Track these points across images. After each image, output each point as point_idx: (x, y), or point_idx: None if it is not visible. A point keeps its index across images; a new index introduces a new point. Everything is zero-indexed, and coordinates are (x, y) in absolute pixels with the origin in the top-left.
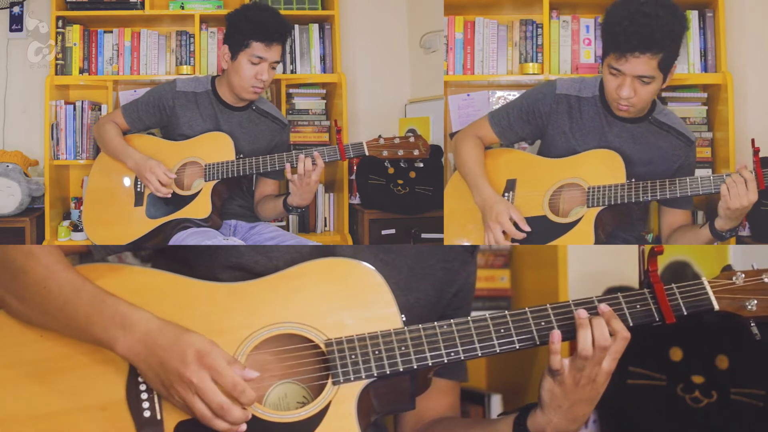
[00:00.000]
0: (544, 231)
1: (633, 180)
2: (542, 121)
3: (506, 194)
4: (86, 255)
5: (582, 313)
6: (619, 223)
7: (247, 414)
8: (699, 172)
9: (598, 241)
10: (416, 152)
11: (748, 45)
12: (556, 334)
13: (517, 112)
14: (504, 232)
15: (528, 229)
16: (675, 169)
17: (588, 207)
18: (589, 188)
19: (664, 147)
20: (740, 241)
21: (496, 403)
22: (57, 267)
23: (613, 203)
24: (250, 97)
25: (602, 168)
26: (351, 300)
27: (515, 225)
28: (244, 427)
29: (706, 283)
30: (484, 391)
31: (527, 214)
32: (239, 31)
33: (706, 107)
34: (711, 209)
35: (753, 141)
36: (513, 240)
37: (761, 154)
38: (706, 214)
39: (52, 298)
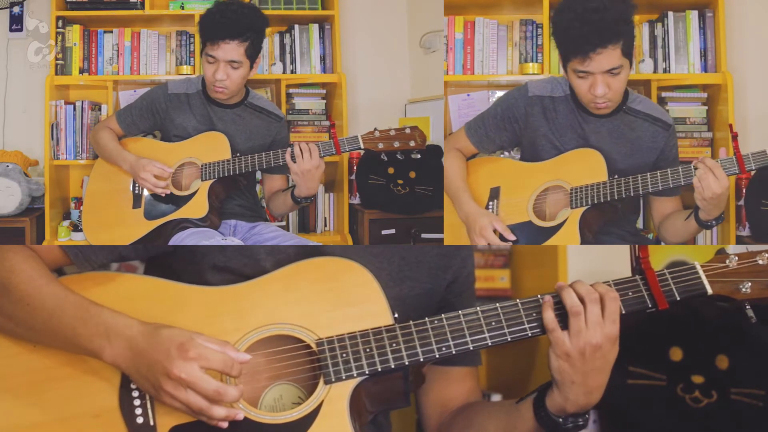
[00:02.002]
0: (530, 236)
1: (615, 176)
2: (518, 126)
3: (490, 203)
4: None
5: (561, 283)
6: (605, 220)
7: (241, 389)
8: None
9: (584, 242)
10: (412, 143)
11: (748, 45)
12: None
13: (492, 119)
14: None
15: (513, 238)
16: (657, 156)
17: (572, 208)
18: (571, 189)
19: (642, 136)
20: (740, 241)
21: None
22: (40, 281)
23: (595, 202)
24: (215, 96)
25: (583, 167)
26: (341, 299)
27: (500, 236)
28: (241, 414)
29: (698, 267)
30: (484, 391)
31: (512, 221)
32: (199, 32)
33: (706, 107)
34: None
35: (731, 126)
36: (504, 240)
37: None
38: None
39: (36, 314)
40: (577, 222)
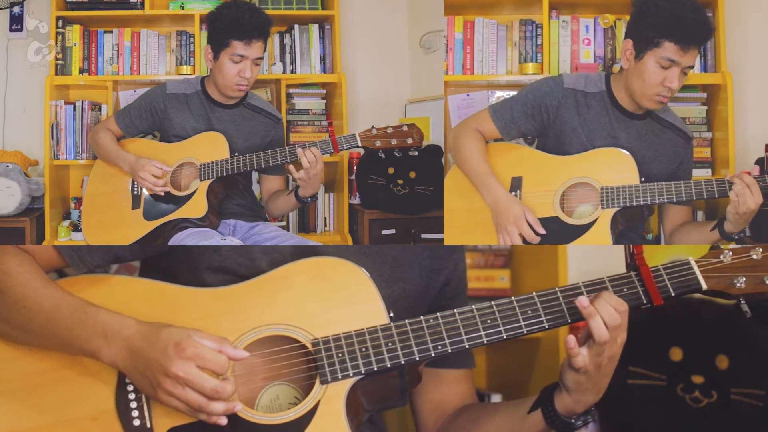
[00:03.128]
0: (557, 233)
1: (643, 180)
2: (548, 116)
3: (513, 193)
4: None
5: (584, 302)
6: (632, 222)
7: (233, 381)
8: (698, 172)
9: (613, 242)
10: (410, 140)
11: (748, 45)
12: (571, 340)
13: (521, 106)
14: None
15: (543, 231)
16: (676, 166)
17: (603, 208)
18: (602, 189)
19: (666, 144)
20: (740, 241)
21: None
22: (36, 284)
23: (628, 204)
24: (235, 95)
25: (614, 168)
26: (337, 299)
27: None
28: (240, 406)
29: (693, 263)
30: (484, 391)
31: (537, 214)
32: (218, 31)
33: (706, 107)
34: (710, 209)
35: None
36: (524, 242)
37: (759, 155)
38: (706, 215)
39: (32, 317)
40: (608, 223)
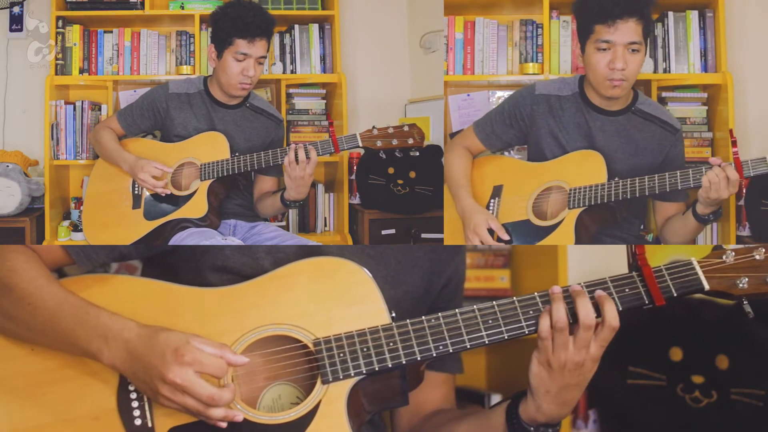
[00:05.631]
0: (526, 235)
1: (616, 178)
2: (525, 124)
3: (492, 200)
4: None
5: (555, 288)
6: (603, 222)
7: (232, 388)
8: None
9: (579, 242)
10: (410, 141)
11: (748, 45)
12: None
13: (499, 117)
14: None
15: (506, 237)
16: (662, 159)
17: (569, 209)
18: (570, 190)
19: (649, 138)
20: (740, 241)
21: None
22: (41, 281)
23: (592, 203)
24: (238, 93)
25: (584, 169)
26: (338, 298)
27: (495, 234)
28: (240, 416)
29: (695, 263)
30: (483, 391)
31: (511, 218)
32: (222, 29)
33: (706, 107)
34: None
35: (731, 131)
36: (498, 239)
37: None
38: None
39: (37, 314)
40: (573, 222)
